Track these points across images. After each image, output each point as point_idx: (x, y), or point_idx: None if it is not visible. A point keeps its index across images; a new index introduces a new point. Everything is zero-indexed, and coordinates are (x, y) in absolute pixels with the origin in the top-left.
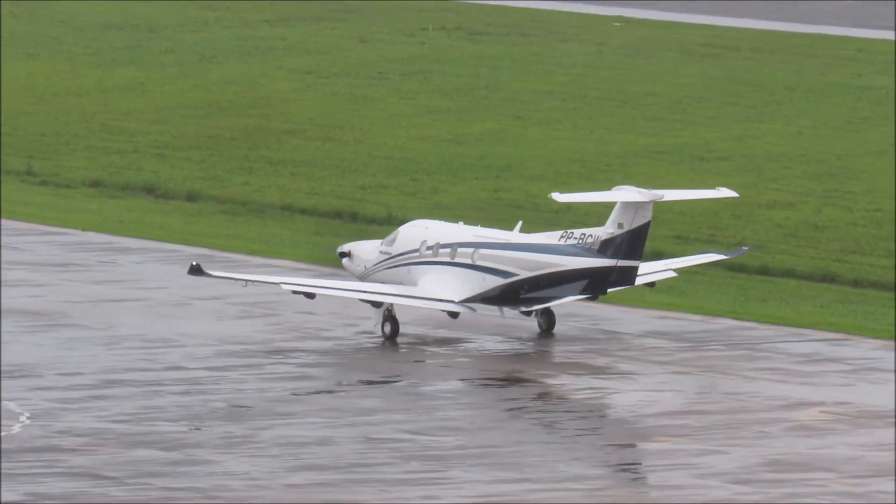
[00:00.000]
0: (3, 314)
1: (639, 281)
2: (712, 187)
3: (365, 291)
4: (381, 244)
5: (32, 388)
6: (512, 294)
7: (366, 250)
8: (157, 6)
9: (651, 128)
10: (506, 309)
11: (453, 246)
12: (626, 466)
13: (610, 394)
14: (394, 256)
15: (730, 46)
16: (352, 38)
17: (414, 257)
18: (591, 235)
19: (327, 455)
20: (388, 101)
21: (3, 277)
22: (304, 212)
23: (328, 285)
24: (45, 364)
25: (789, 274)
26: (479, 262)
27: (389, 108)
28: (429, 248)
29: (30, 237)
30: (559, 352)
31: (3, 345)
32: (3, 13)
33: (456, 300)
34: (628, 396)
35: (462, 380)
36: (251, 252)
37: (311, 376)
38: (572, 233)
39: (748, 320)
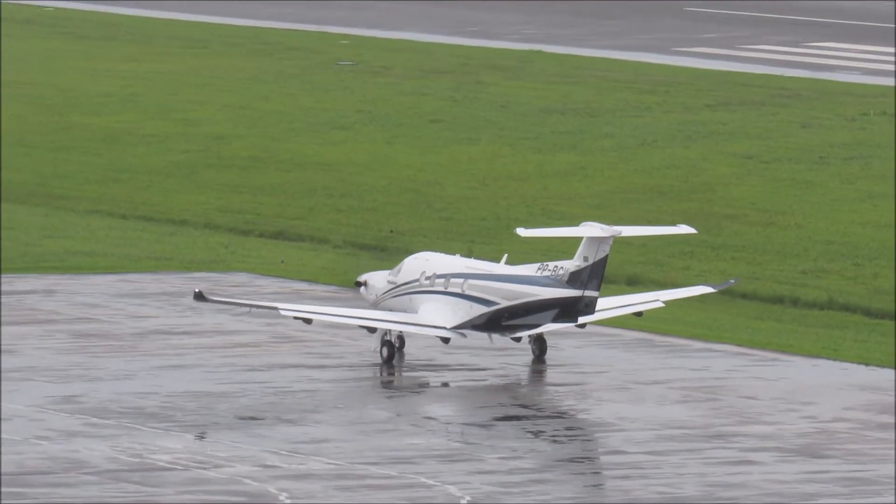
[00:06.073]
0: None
1: (628, 311)
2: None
3: (362, 318)
4: (389, 274)
5: (472, 472)
6: (495, 321)
7: (377, 280)
8: (597, 91)
9: None
10: (495, 336)
11: (447, 276)
12: None
13: None
14: (399, 286)
15: None
16: (793, 122)
17: (415, 287)
18: (561, 268)
19: None
20: (828, 186)
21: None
22: (744, 296)
23: (326, 311)
24: (485, 448)
25: None
26: (468, 292)
27: (830, 192)
28: (427, 278)
29: None
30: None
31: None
32: (444, 98)
33: (448, 327)
34: None
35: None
36: (691, 336)
37: (752, 461)
38: (547, 265)
39: None
